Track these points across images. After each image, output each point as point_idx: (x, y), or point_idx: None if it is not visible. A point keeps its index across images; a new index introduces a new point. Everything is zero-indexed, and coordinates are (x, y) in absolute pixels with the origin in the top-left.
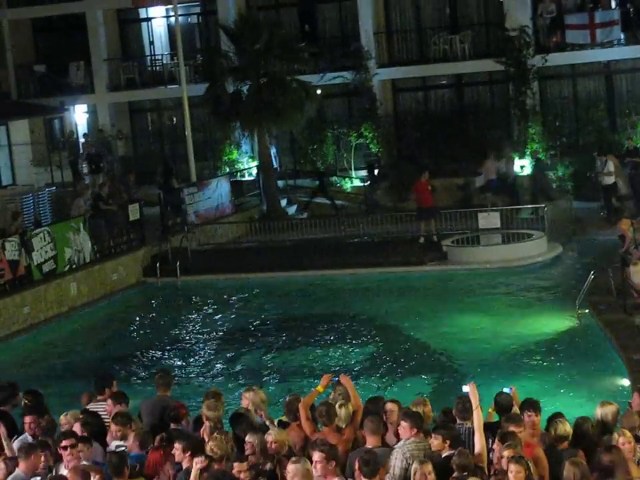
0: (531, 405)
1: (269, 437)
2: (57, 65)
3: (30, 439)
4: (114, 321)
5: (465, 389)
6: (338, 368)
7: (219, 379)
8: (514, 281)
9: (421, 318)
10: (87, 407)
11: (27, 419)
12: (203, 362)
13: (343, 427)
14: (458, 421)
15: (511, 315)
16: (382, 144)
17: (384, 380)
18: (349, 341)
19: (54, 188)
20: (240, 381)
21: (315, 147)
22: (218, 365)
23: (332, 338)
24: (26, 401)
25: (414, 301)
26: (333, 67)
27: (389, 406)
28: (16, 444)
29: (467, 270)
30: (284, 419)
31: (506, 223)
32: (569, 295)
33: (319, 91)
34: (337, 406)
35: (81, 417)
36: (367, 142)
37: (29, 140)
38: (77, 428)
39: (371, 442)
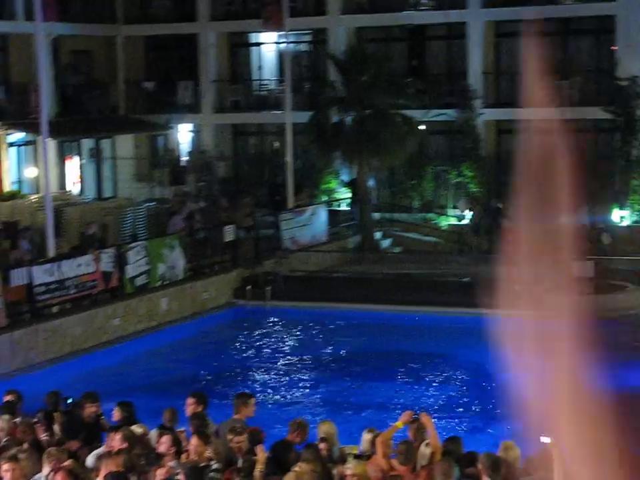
0: None
1: (348, 470)
2: (166, 83)
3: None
4: (201, 340)
5: (544, 439)
6: (418, 407)
7: (296, 407)
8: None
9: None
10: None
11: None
12: (282, 389)
13: (420, 466)
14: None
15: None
16: (482, 184)
17: (465, 421)
18: (430, 379)
19: (153, 203)
20: (316, 411)
21: (413, 182)
22: (297, 393)
23: (414, 375)
24: (120, 412)
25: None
26: (438, 103)
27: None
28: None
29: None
30: (355, 449)
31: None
32: None
33: (422, 127)
34: (416, 445)
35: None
36: (467, 181)
37: (132, 155)
38: (167, 444)
39: None
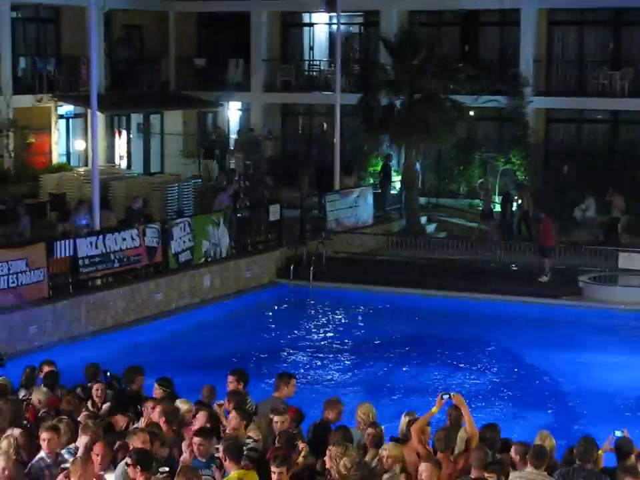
0: None
1: (384, 452)
2: (217, 61)
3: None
4: (243, 318)
5: (619, 433)
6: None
7: (334, 388)
8: None
9: (548, 351)
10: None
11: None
12: (321, 369)
13: (457, 453)
14: (577, 462)
15: None
16: (529, 172)
17: (502, 409)
18: (471, 365)
19: (199, 180)
20: (354, 394)
21: (461, 168)
22: (335, 375)
23: (454, 360)
24: (162, 388)
25: (543, 333)
26: (489, 90)
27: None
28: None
29: (600, 308)
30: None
31: None
32: None
33: (471, 113)
34: (454, 431)
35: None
36: (514, 169)
37: (181, 131)
38: (202, 419)
39: (475, 473)
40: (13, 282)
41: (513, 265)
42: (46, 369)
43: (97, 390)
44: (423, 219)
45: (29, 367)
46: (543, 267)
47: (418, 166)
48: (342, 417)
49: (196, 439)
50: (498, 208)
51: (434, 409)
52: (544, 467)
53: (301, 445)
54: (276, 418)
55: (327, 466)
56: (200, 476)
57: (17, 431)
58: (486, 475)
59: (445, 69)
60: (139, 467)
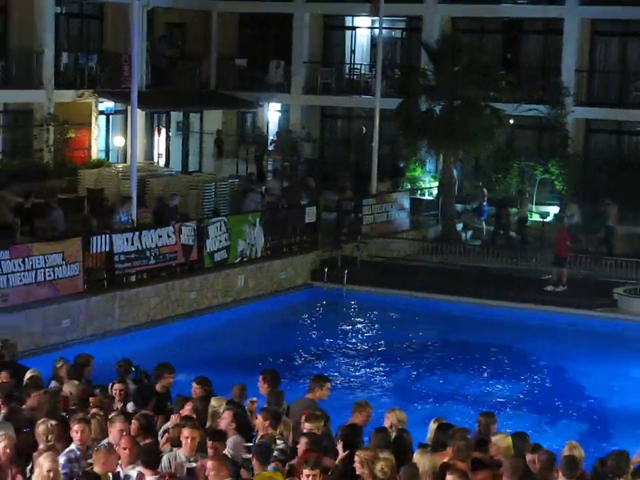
0: None
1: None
2: (258, 61)
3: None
4: (276, 319)
5: None
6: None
7: (364, 391)
8: None
9: (581, 362)
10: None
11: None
12: (352, 373)
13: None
14: (609, 476)
15: None
16: (568, 183)
17: (532, 418)
18: (502, 374)
19: (237, 180)
20: (384, 397)
21: (499, 175)
22: (365, 378)
23: (485, 368)
24: (204, 388)
25: (576, 344)
26: (529, 98)
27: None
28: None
29: (635, 321)
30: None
31: None
32: None
33: (511, 121)
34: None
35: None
36: (553, 179)
37: (220, 130)
38: (227, 419)
39: None
40: (50, 275)
41: (547, 275)
42: (79, 361)
43: (117, 390)
44: (459, 226)
45: (61, 359)
46: (560, 278)
47: (455, 172)
48: (370, 420)
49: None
50: (535, 217)
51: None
52: (576, 478)
53: (340, 449)
54: (310, 425)
55: (358, 472)
56: None
57: (53, 422)
58: None
59: (486, 76)
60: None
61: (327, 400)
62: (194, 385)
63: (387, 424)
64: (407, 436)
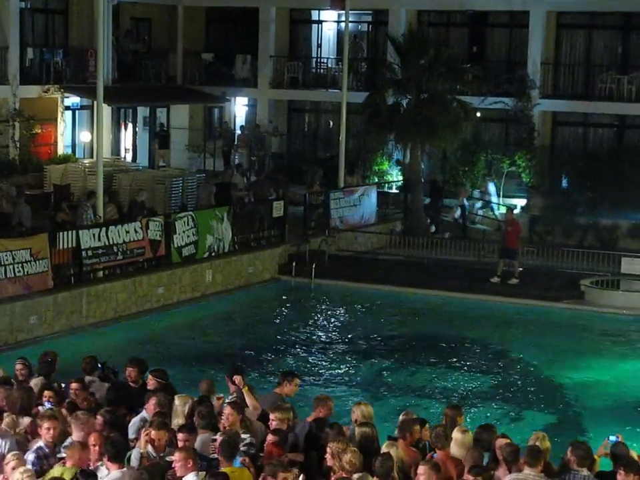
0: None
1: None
2: (224, 56)
3: (147, 417)
4: (243, 314)
5: (613, 438)
6: (453, 393)
7: (331, 385)
8: None
9: (548, 354)
10: None
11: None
12: (319, 367)
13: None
14: (574, 467)
15: None
16: (534, 175)
17: (500, 410)
18: (470, 366)
19: (204, 175)
20: (351, 391)
21: (466, 168)
22: (333, 373)
23: (453, 361)
24: (156, 379)
25: (544, 336)
26: (495, 91)
27: (501, 441)
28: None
29: (602, 312)
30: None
31: None
32: None
33: (478, 114)
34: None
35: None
36: (519, 171)
37: (187, 125)
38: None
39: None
40: (19, 271)
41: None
42: (45, 359)
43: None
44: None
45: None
46: (512, 270)
47: (422, 165)
48: (332, 413)
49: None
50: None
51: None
52: (539, 467)
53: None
54: (279, 415)
55: (329, 463)
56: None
57: (27, 419)
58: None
59: (452, 69)
60: None
61: (293, 396)
62: (149, 376)
63: (352, 418)
64: (371, 430)
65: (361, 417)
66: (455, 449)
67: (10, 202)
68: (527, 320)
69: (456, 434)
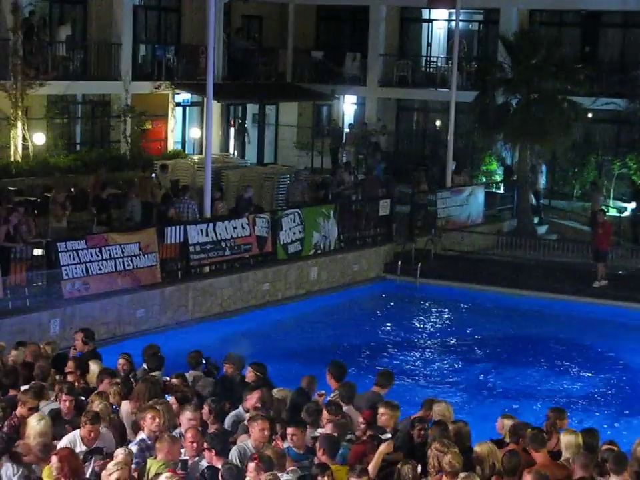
0: None
1: (477, 448)
2: (334, 54)
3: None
4: (348, 312)
5: None
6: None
7: (433, 386)
8: None
9: None
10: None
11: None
12: (421, 367)
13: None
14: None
15: None
16: None
17: (602, 414)
18: (573, 369)
19: (307, 172)
20: (453, 392)
21: (575, 170)
22: (435, 372)
23: (557, 364)
24: (255, 372)
25: None
26: (607, 92)
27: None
28: (228, 419)
29: None
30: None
31: None
32: None
33: (589, 115)
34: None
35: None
36: (631, 173)
37: (295, 122)
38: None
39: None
40: (129, 264)
41: (620, 271)
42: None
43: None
44: (535, 220)
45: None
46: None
47: (533, 167)
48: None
49: (289, 430)
50: (613, 212)
51: None
52: (625, 475)
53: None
54: (387, 410)
55: (430, 465)
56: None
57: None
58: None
59: (564, 69)
60: None
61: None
62: (248, 369)
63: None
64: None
65: (435, 415)
66: (563, 452)
67: (150, 194)
68: (635, 325)
69: (566, 436)
